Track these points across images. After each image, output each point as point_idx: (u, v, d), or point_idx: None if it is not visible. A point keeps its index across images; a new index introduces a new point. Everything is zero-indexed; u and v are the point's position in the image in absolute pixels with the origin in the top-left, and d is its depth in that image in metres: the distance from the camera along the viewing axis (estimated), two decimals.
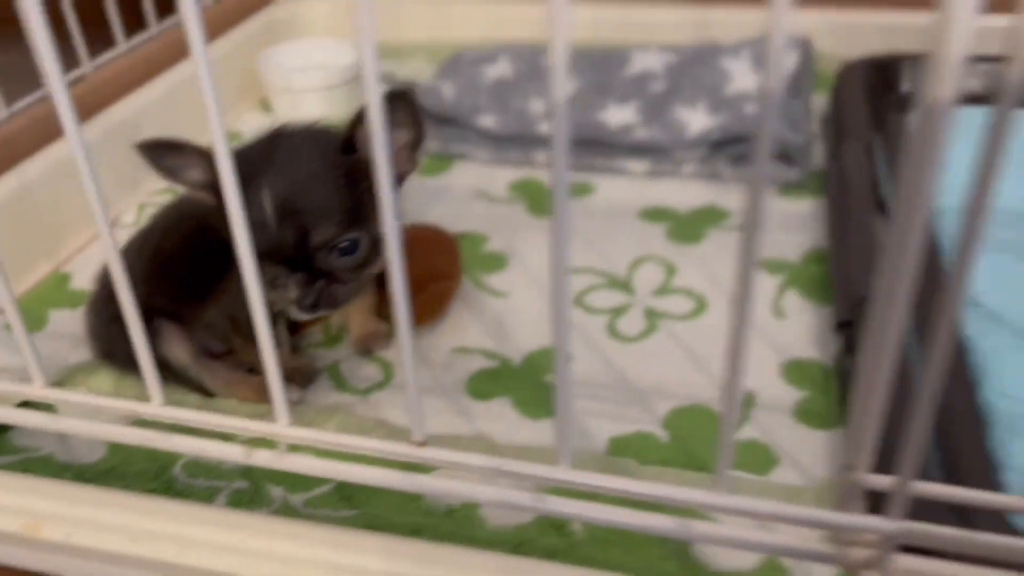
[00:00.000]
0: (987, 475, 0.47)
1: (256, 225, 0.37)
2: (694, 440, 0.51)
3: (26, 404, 0.46)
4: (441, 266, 0.61)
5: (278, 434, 0.38)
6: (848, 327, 0.54)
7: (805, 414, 0.52)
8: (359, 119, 0.48)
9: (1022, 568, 0.32)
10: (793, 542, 0.32)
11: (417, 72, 1.00)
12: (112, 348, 0.53)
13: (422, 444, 0.36)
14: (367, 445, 0.37)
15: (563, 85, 0.27)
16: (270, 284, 0.47)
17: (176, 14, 0.91)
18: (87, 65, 0.80)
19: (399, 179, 0.52)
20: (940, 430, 0.48)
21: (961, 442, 0.48)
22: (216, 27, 0.96)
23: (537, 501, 0.35)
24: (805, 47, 0.88)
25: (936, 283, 0.31)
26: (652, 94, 0.85)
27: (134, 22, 0.87)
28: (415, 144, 0.51)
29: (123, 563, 0.43)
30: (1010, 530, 0.42)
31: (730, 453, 0.33)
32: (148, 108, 0.83)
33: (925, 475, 0.33)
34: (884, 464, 0.34)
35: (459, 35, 1.02)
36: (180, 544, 0.41)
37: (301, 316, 0.49)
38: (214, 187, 0.47)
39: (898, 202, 0.28)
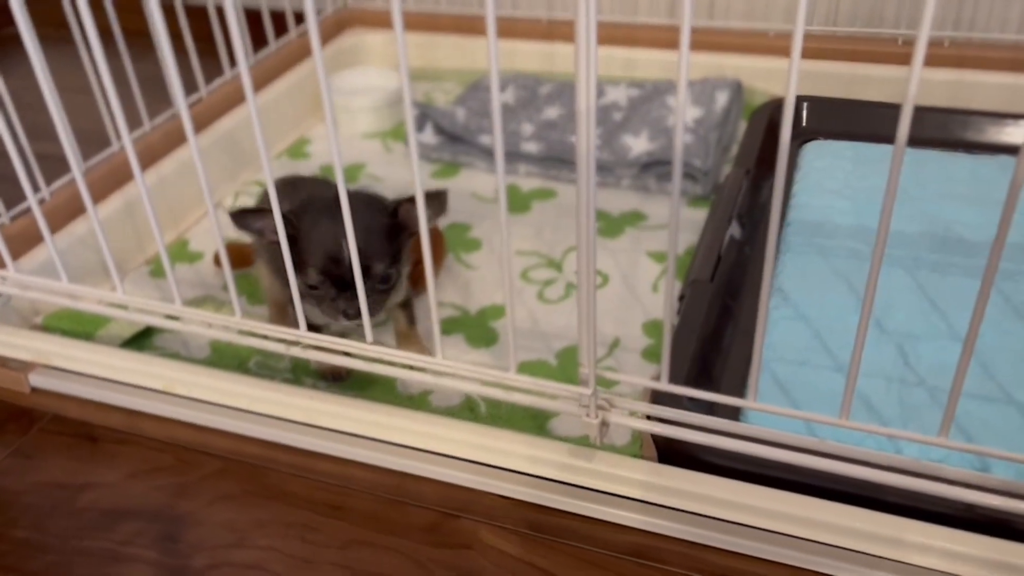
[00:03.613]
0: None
1: (333, 258, 0.65)
2: (572, 365, 0.79)
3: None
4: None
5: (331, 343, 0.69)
6: (681, 300, 0.82)
7: (648, 354, 0.80)
8: (408, 200, 0.71)
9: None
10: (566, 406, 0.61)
11: (448, 91, 1.29)
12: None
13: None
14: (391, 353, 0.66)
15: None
16: (327, 298, 0.70)
17: (266, 47, 1.23)
18: (203, 90, 1.12)
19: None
20: (723, 367, 0.76)
21: (733, 373, 0.75)
22: (295, 57, 1.27)
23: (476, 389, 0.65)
24: (735, 87, 1.14)
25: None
26: (612, 123, 1.12)
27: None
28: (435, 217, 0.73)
29: (218, 412, 0.74)
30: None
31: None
32: (243, 122, 1.14)
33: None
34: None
35: (483, 64, 1.31)
36: (250, 399, 0.73)
37: (342, 320, 0.70)
38: (293, 237, 0.68)
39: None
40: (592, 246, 0.54)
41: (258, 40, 1.22)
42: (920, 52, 0.42)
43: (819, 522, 0.59)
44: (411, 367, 0.65)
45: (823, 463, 0.56)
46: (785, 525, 0.60)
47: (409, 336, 0.82)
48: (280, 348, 0.69)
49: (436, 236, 0.94)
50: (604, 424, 0.59)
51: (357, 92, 1.22)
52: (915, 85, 0.43)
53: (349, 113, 1.21)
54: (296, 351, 0.68)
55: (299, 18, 1.29)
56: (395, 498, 0.69)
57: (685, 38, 0.45)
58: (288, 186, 0.83)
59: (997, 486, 0.54)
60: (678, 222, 0.51)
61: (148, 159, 1.02)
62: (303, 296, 0.68)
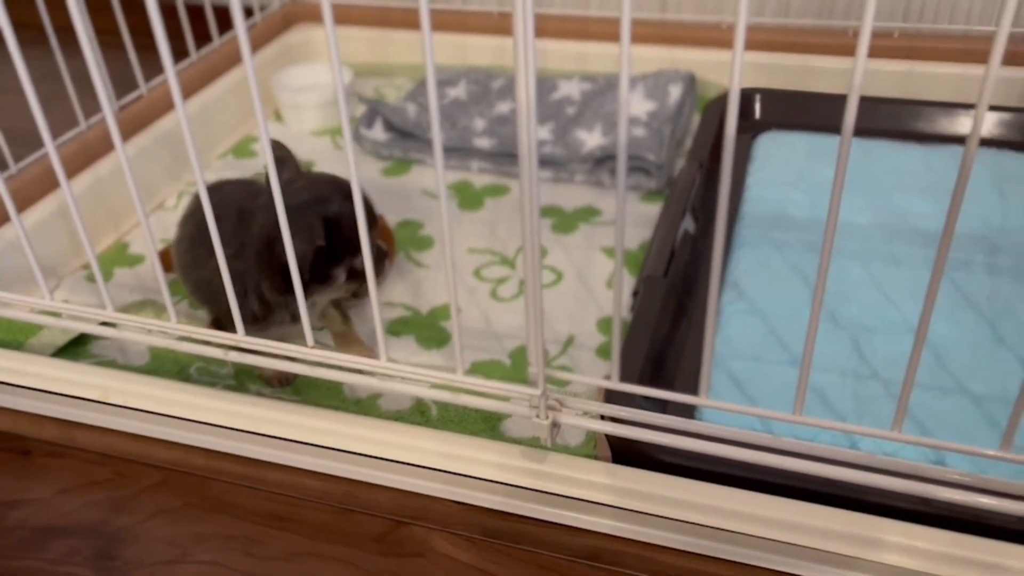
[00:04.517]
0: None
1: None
2: (526, 365, 0.77)
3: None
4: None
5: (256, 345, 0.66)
6: (635, 296, 0.81)
7: (603, 351, 0.79)
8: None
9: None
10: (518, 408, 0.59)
11: (399, 87, 1.27)
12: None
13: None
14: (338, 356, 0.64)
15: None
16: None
17: (210, 44, 1.19)
18: (143, 87, 1.09)
19: None
20: (677, 364, 0.74)
21: (688, 370, 0.74)
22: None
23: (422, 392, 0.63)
24: (688, 80, 1.13)
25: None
26: (565, 117, 1.11)
27: (179, 49, 1.14)
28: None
29: (158, 421, 0.71)
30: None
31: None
32: (189, 119, 1.11)
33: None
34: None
35: (437, 59, 1.28)
36: (191, 407, 0.70)
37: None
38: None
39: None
40: (536, 244, 0.52)
41: (204, 35, 1.18)
42: (864, 42, 0.40)
43: (775, 520, 0.58)
44: (356, 371, 0.62)
45: (776, 460, 0.55)
46: (741, 524, 0.59)
47: (347, 336, 0.80)
48: (219, 353, 0.66)
49: (385, 234, 0.91)
50: (555, 425, 0.57)
51: (305, 89, 1.19)
52: (860, 75, 0.41)
53: (297, 110, 1.18)
54: (234, 356, 0.66)
55: (245, 12, 1.25)
56: (344, 507, 0.67)
57: (626, 31, 0.44)
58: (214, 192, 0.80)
59: (951, 479, 0.54)
60: (624, 217, 0.50)
61: (86, 159, 0.98)
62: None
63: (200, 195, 0.59)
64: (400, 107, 1.14)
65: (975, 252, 0.83)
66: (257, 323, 0.71)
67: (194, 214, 0.79)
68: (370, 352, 0.79)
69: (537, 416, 0.56)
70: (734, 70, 0.43)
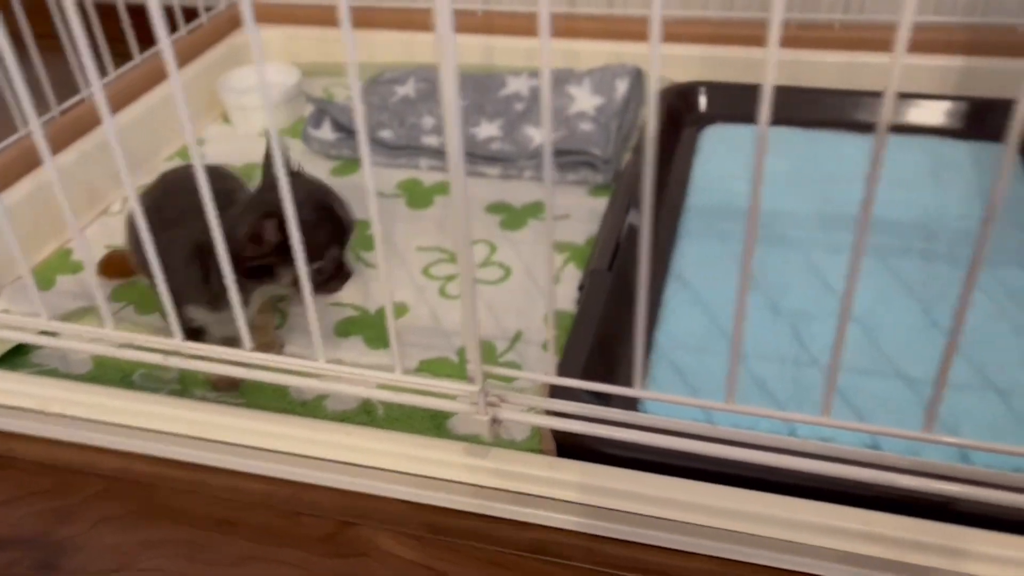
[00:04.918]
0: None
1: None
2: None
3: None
4: None
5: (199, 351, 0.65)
6: (581, 290, 0.81)
7: (548, 346, 0.79)
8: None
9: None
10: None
11: (348, 86, 1.26)
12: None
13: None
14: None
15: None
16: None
17: (156, 46, 1.18)
18: (85, 91, 1.07)
19: None
20: (622, 357, 0.75)
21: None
22: (188, 54, 1.22)
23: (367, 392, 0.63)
24: (635, 74, 1.13)
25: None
26: (514, 113, 1.11)
27: (121, 52, 1.13)
28: None
29: (100, 429, 0.71)
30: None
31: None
32: (134, 123, 1.09)
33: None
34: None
35: (386, 58, 1.28)
36: (133, 414, 0.69)
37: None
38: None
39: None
40: (468, 242, 0.52)
41: (150, 37, 1.16)
42: (775, 32, 0.41)
43: (716, 508, 0.59)
44: (296, 373, 0.62)
45: (713, 448, 0.56)
46: (681, 512, 0.60)
47: (265, 328, 0.80)
48: (158, 359, 0.66)
49: None
50: (496, 421, 0.57)
51: (251, 90, 1.18)
52: (772, 69, 0.42)
53: (244, 111, 1.17)
54: (174, 361, 0.65)
55: (189, 14, 1.24)
56: (290, 509, 0.67)
57: (544, 25, 0.44)
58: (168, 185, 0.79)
59: (886, 462, 0.55)
60: (552, 209, 0.50)
61: (26, 165, 0.97)
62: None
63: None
64: (347, 106, 1.13)
65: (912, 239, 0.85)
66: (210, 305, 0.71)
67: (152, 191, 0.78)
68: (276, 346, 0.80)
69: (477, 413, 0.56)
70: (652, 65, 0.43)
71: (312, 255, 0.66)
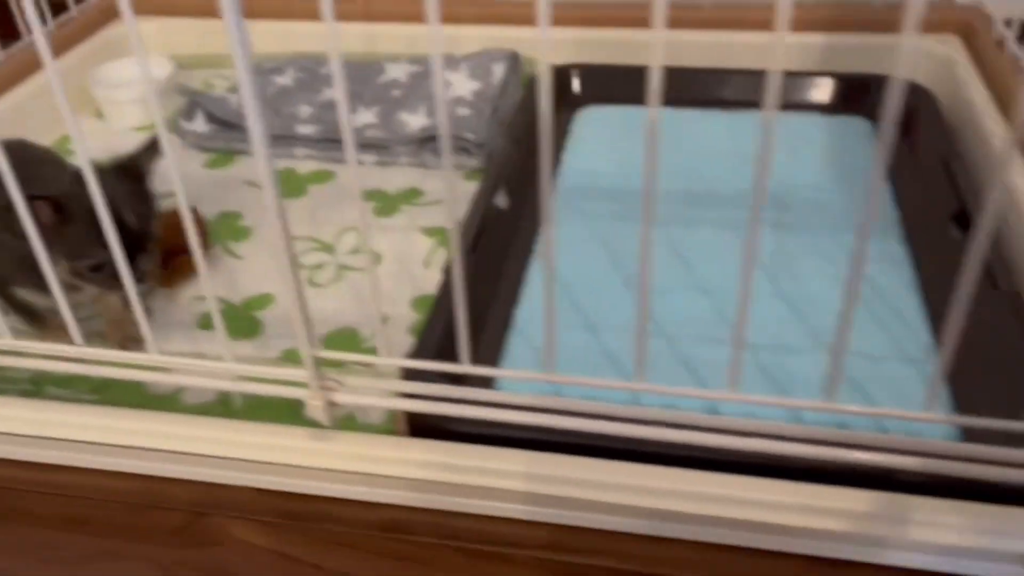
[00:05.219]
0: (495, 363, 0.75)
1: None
2: (336, 349, 0.78)
3: None
4: (186, 244, 0.87)
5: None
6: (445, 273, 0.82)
7: (414, 329, 0.80)
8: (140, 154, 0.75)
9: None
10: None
11: (228, 77, 1.24)
12: None
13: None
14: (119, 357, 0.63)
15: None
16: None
17: (26, 39, 1.14)
18: None
19: None
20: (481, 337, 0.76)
21: (489, 343, 0.76)
22: (57, 48, 1.19)
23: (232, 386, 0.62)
24: (512, 58, 1.15)
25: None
26: (391, 100, 1.11)
27: None
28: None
29: None
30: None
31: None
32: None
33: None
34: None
35: (266, 48, 1.27)
36: None
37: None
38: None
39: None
40: (284, 224, 0.52)
41: (14, 31, 1.13)
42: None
43: (558, 477, 0.61)
44: (128, 365, 0.62)
45: (553, 420, 0.58)
46: (527, 484, 0.61)
47: (123, 321, 0.79)
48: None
49: (200, 227, 0.90)
50: (331, 404, 0.58)
51: (123, 84, 1.15)
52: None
53: (116, 106, 1.14)
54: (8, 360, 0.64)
55: (56, 8, 1.21)
56: (143, 503, 0.66)
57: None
58: None
59: (720, 425, 0.57)
60: (359, 191, 0.51)
61: None
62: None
63: None
64: (221, 97, 1.12)
65: (764, 210, 0.88)
66: (37, 287, 0.70)
67: None
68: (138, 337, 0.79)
69: (312, 398, 0.57)
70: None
71: (77, 251, 0.66)
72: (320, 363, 0.58)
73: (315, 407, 0.57)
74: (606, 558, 0.60)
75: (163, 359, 0.59)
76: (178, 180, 0.53)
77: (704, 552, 0.60)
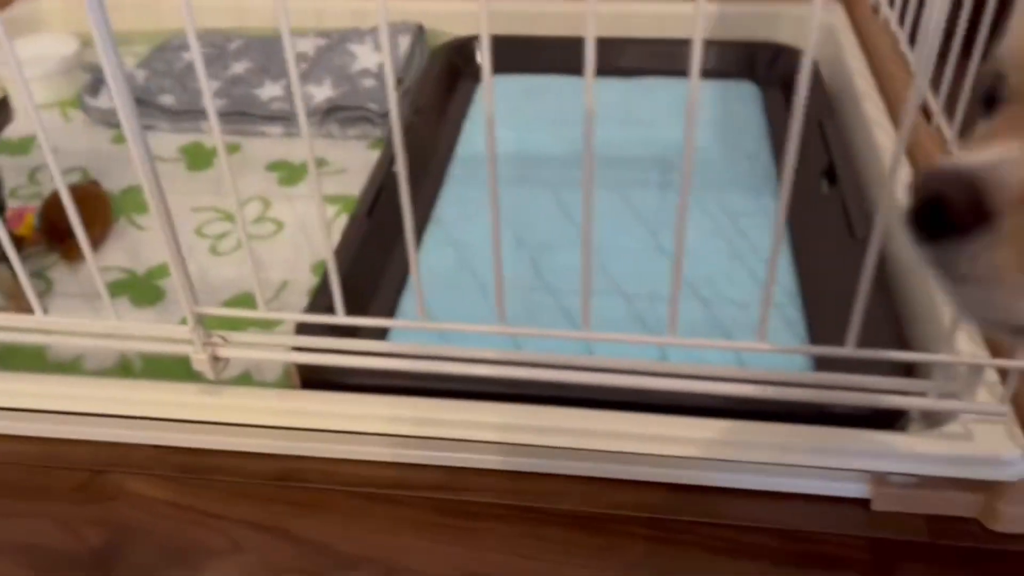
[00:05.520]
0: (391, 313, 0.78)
1: None
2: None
3: None
4: (86, 218, 0.88)
5: None
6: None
7: (313, 292, 0.83)
8: None
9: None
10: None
11: (137, 54, 1.24)
12: None
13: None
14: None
15: None
16: None
17: None
18: None
19: None
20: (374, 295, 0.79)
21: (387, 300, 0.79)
22: None
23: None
24: (416, 31, 1.17)
25: None
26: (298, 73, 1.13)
27: None
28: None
29: None
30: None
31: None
32: None
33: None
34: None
35: (175, 24, 1.27)
36: None
37: None
38: None
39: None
40: (159, 192, 0.55)
41: None
42: None
43: (441, 420, 0.64)
44: (16, 329, 0.64)
45: (430, 366, 0.61)
46: (412, 427, 0.64)
47: (18, 294, 0.80)
48: None
49: (101, 201, 0.92)
50: (216, 359, 0.61)
51: (28, 61, 1.15)
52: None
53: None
54: None
55: None
56: (43, 464, 0.68)
57: None
58: None
59: (599, 365, 0.61)
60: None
61: None
62: None
63: None
64: (127, 73, 1.12)
65: (651, 171, 0.93)
66: None
67: None
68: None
69: (195, 353, 0.60)
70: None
71: None
72: (204, 320, 0.60)
73: (200, 361, 0.60)
74: (486, 495, 0.65)
75: (48, 320, 0.61)
76: (52, 160, 0.55)
77: (574, 484, 0.64)
